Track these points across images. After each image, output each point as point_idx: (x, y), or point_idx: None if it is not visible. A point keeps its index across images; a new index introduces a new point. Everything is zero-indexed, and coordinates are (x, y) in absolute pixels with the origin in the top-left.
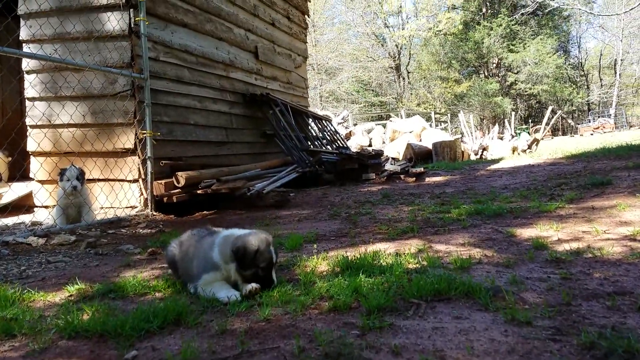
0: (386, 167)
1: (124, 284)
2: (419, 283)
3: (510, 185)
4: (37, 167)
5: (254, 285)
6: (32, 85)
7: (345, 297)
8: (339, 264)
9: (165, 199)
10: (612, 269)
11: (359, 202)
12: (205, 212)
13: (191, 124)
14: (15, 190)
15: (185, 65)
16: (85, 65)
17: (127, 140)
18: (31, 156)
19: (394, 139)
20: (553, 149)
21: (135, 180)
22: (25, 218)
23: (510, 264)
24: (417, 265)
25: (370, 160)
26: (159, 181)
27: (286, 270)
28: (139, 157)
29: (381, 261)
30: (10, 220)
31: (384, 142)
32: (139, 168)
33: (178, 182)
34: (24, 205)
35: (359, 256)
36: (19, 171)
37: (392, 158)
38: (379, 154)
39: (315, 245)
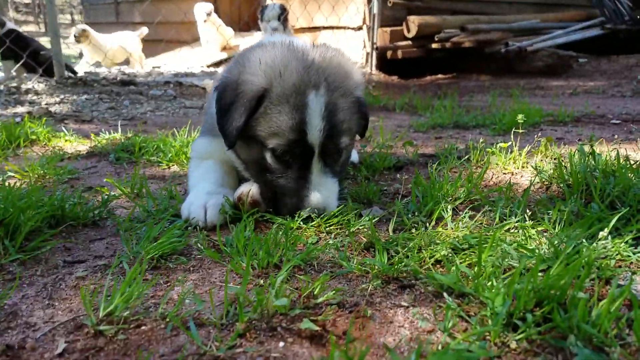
0: None
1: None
2: None
3: None
4: None
5: (249, 191)
6: None
7: None
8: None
9: (389, 54)
10: None
11: None
12: (439, 75)
13: None
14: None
15: None
16: None
17: None
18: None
19: None
20: None
21: (359, 28)
22: None
23: None
24: None
25: None
26: (385, 28)
27: (418, 164)
28: None
29: None
30: None
31: None
32: (364, 10)
33: (408, 31)
34: None
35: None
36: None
37: None
38: None
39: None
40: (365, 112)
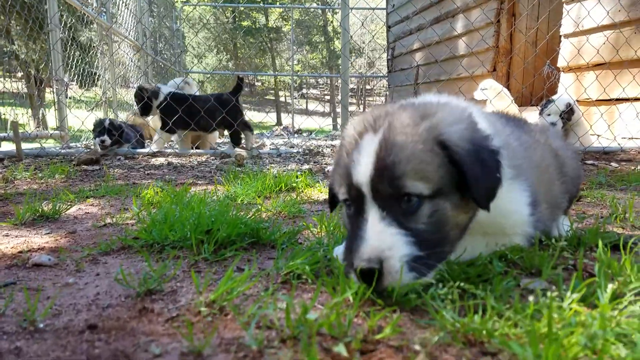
0: None
1: None
2: None
3: None
4: (569, 84)
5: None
6: None
7: None
8: None
9: None
10: None
11: None
12: None
13: None
14: None
15: None
16: None
17: None
18: (561, 72)
19: None
20: None
21: None
22: None
23: None
24: None
25: None
26: None
27: None
28: None
29: None
30: None
31: None
32: None
33: None
34: None
35: None
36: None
37: None
38: None
39: None
40: (460, 158)
